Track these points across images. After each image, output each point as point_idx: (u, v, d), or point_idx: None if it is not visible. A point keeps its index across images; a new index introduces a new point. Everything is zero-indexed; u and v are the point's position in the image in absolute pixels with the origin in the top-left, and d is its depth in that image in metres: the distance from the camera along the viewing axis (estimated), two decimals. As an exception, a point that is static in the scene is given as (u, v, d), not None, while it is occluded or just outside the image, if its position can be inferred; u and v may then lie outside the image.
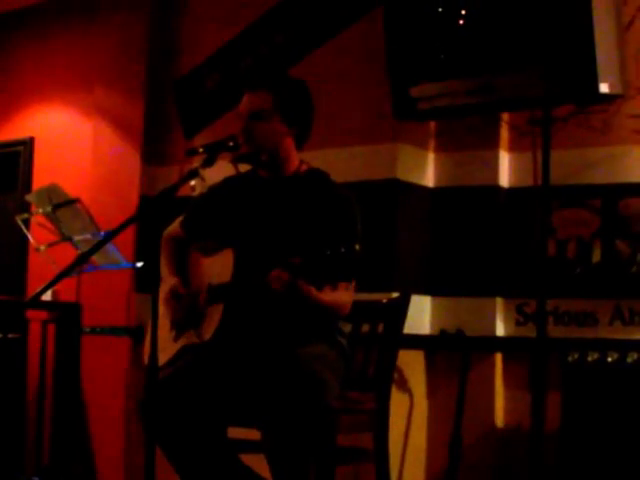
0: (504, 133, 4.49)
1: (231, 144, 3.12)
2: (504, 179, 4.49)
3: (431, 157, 4.61)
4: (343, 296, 3.12)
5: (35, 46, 6.10)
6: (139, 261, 5.00)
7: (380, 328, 3.81)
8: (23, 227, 5.05)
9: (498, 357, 4.43)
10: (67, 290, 5.29)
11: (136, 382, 4.96)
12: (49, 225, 4.92)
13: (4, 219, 6.01)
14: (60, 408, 5.33)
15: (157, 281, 3.11)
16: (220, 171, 3.31)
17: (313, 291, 2.97)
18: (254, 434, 3.10)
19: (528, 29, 3.84)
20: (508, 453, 4.34)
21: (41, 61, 6.07)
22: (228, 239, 3.25)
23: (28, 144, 6.10)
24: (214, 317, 3.15)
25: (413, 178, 4.54)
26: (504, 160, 4.49)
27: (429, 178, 4.61)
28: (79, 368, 5.31)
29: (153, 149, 5.34)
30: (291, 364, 2.99)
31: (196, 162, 3.13)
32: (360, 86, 4.59)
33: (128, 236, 4.89)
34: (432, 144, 4.62)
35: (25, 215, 5.15)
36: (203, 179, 3.17)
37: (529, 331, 4.28)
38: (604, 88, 3.74)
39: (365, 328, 3.84)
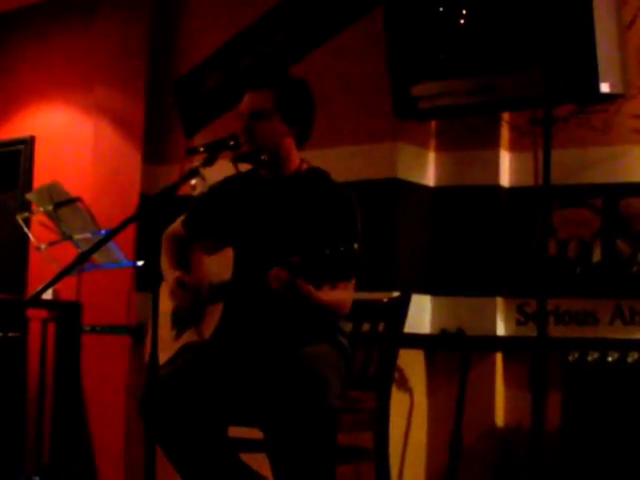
0: (505, 133, 4.49)
1: (232, 143, 3.12)
2: (505, 179, 4.49)
3: (432, 156, 4.61)
4: (343, 295, 3.12)
5: (36, 45, 6.11)
6: (140, 260, 5.01)
7: (380, 327, 3.81)
8: (24, 226, 5.05)
9: (498, 357, 4.43)
10: (67, 289, 5.29)
11: (136, 381, 4.96)
12: (50, 224, 4.92)
13: (5, 218, 6.01)
14: (60, 407, 5.33)
15: (158, 280, 3.12)
16: (221, 170, 3.31)
17: (312, 290, 2.97)
18: (255, 433, 3.10)
19: (529, 29, 3.84)
20: (508, 452, 4.34)
21: (41, 60, 6.07)
22: (229, 238, 3.25)
23: (29, 143, 6.10)
24: (214, 315, 3.15)
25: (414, 177, 4.54)
26: (505, 160, 4.49)
27: (430, 177, 4.61)
28: (79, 367, 5.31)
29: (153, 148, 5.34)
30: (292, 363, 3.00)
31: (196, 161, 3.12)
32: (360, 85, 4.59)
33: (128, 235, 4.90)
34: (433, 143, 4.62)
35: (26, 214, 5.15)
36: (204, 178, 3.18)
37: (529, 331, 4.28)
38: (605, 88, 3.74)
39: (365, 327, 3.84)
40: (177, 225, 3.43)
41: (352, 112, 4.59)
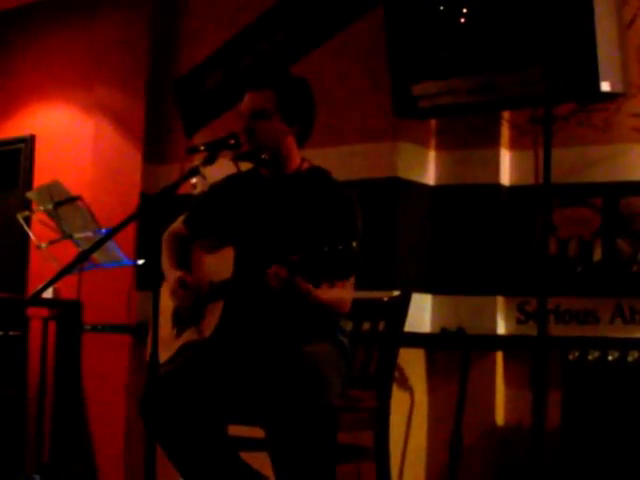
0: (505, 131, 4.49)
1: (232, 142, 3.12)
2: (505, 177, 4.49)
3: (432, 155, 4.61)
4: (342, 294, 3.12)
5: (36, 44, 6.11)
6: (140, 259, 5.01)
7: (381, 326, 3.80)
8: (24, 224, 5.06)
9: (499, 355, 4.43)
10: (68, 288, 5.30)
11: (137, 380, 4.96)
12: (50, 222, 4.92)
13: (5, 216, 6.02)
14: (61, 406, 5.34)
15: (158, 279, 3.12)
16: (221, 169, 3.32)
17: (311, 288, 2.97)
18: (256, 432, 3.10)
19: (529, 27, 3.85)
20: (508, 451, 4.34)
21: (42, 59, 6.07)
22: (230, 237, 3.26)
23: (29, 142, 6.10)
24: (214, 314, 3.16)
25: (414, 176, 4.54)
26: (505, 158, 4.49)
27: (430, 176, 4.61)
28: (80, 366, 5.32)
29: (154, 147, 5.34)
30: (293, 362, 2.99)
31: (197, 160, 3.13)
32: (361, 84, 4.59)
33: (129, 234, 4.90)
34: (433, 142, 4.62)
35: (26, 212, 5.15)
36: (204, 177, 3.18)
37: (530, 329, 4.28)
38: (605, 86, 3.74)
39: (366, 326, 3.84)
40: (178, 224, 3.43)
41: (352, 111, 4.59)
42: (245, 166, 3.41)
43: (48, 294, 5.37)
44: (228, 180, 3.42)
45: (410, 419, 4.47)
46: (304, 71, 3.80)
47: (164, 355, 3.15)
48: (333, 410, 2.99)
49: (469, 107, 4.15)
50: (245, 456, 3.17)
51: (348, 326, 3.40)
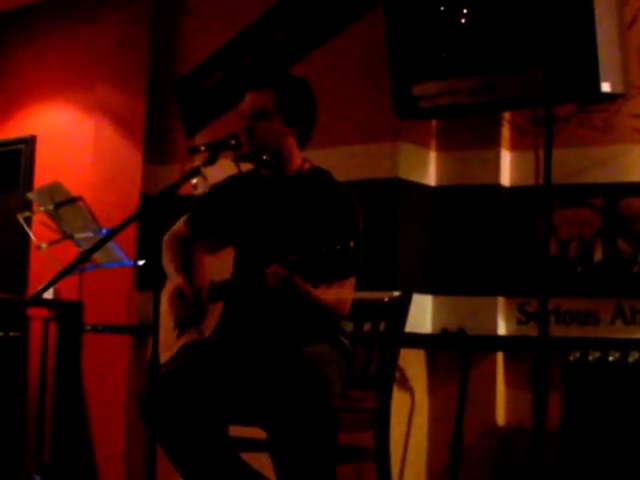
0: (506, 132, 4.49)
1: (233, 142, 3.12)
2: (506, 178, 4.49)
3: (433, 156, 4.62)
4: (342, 295, 3.12)
5: (37, 44, 6.11)
6: (140, 259, 5.01)
7: (381, 327, 3.80)
8: (25, 225, 5.06)
9: (499, 356, 4.43)
10: (68, 288, 5.29)
11: (137, 380, 4.96)
12: (51, 223, 4.93)
13: (6, 217, 6.01)
14: (61, 406, 5.34)
15: (159, 279, 3.12)
16: (222, 169, 3.31)
17: (310, 288, 2.97)
18: (256, 432, 3.10)
19: (530, 28, 3.84)
20: (509, 452, 4.34)
21: (42, 59, 6.08)
22: (231, 237, 3.26)
23: (30, 142, 6.10)
24: (215, 314, 3.16)
25: (415, 177, 4.54)
26: (506, 159, 4.49)
27: (431, 177, 4.61)
28: (80, 366, 5.32)
29: (154, 147, 5.34)
30: (293, 362, 2.99)
31: (198, 160, 3.12)
32: (361, 84, 4.59)
33: (129, 234, 4.90)
34: (434, 143, 4.62)
35: (27, 213, 5.15)
36: (205, 177, 3.17)
37: (530, 330, 4.28)
38: (606, 87, 3.74)
39: (366, 327, 3.84)
40: (180, 224, 3.43)
41: (353, 112, 4.59)
42: (246, 167, 3.40)
43: (49, 295, 5.38)
44: (229, 181, 3.42)
45: (411, 419, 4.47)
46: (304, 71, 3.81)
47: (165, 355, 3.16)
48: (334, 410, 2.99)
49: (470, 107, 4.15)
50: (246, 457, 3.16)
51: (349, 327, 3.40)
